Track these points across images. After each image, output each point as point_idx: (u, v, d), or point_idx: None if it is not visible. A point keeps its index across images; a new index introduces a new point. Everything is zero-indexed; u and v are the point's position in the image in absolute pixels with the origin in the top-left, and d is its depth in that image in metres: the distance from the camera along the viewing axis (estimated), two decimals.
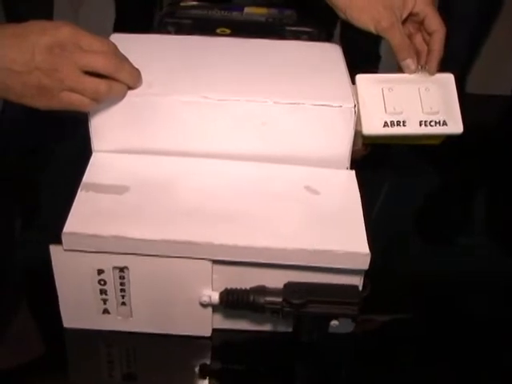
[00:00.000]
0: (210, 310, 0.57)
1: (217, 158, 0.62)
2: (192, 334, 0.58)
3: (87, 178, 0.59)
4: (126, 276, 0.55)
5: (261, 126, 0.61)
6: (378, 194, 0.80)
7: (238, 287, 0.55)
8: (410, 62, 0.65)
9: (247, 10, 0.86)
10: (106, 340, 0.59)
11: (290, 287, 0.54)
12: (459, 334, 0.62)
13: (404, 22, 0.65)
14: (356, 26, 0.65)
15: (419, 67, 0.66)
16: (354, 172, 0.63)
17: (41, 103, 0.56)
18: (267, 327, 0.59)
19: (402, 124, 0.63)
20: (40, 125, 0.84)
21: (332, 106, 0.60)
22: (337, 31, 1.34)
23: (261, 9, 0.86)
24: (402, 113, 0.63)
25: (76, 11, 1.87)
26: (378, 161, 0.75)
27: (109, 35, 0.66)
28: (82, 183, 0.58)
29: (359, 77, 0.64)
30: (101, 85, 0.55)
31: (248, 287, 0.55)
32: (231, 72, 0.64)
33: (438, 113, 0.64)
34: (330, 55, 0.69)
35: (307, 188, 0.60)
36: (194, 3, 0.86)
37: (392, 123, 0.63)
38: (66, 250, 0.53)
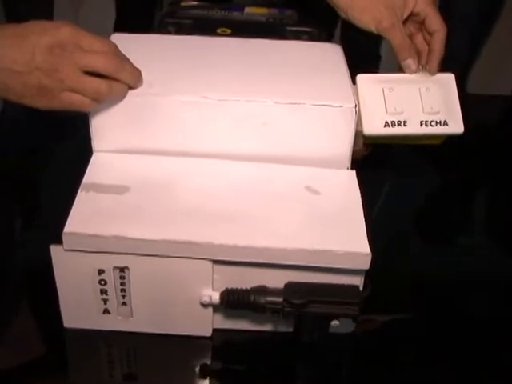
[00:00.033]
0: (210, 310, 0.57)
1: (217, 158, 0.61)
2: (192, 334, 0.58)
3: (88, 178, 0.59)
4: (126, 276, 0.55)
5: (261, 126, 0.61)
6: (379, 194, 0.80)
7: (239, 287, 0.55)
8: (410, 62, 0.65)
9: (248, 9, 0.86)
10: (106, 340, 0.59)
11: (290, 287, 0.54)
12: (459, 334, 0.62)
13: (405, 21, 0.65)
14: (357, 26, 0.65)
15: (420, 67, 0.66)
16: (354, 172, 0.63)
17: (41, 103, 0.56)
18: (268, 327, 0.59)
19: (402, 124, 0.63)
20: (40, 125, 0.84)
21: (333, 106, 0.60)
22: (337, 31, 1.34)
23: (261, 9, 0.86)
24: (402, 113, 0.63)
25: (76, 11, 1.87)
26: (378, 161, 0.75)
27: (109, 35, 0.66)
28: (82, 183, 0.58)
29: (360, 77, 0.64)
30: (101, 85, 0.55)
31: (249, 287, 0.55)
32: (232, 72, 0.64)
33: (438, 113, 0.64)
34: (330, 55, 0.69)
35: (308, 188, 0.60)
36: (195, 3, 0.86)
37: (393, 123, 0.63)
38: (66, 250, 0.53)
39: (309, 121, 0.60)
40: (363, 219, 0.56)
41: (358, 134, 0.63)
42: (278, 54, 0.69)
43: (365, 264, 0.54)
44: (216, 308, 0.57)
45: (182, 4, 0.86)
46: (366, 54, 1.33)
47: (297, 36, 0.80)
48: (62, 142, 0.85)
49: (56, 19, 0.63)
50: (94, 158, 0.61)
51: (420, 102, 0.64)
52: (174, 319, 0.57)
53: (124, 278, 0.55)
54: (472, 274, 0.69)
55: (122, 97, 0.59)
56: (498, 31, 1.48)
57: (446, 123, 0.64)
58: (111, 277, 0.55)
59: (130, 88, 0.59)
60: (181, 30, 0.81)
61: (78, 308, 0.57)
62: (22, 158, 0.81)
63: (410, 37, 0.66)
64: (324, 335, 0.56)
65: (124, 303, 0.57)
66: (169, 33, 0.81)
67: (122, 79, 0.57)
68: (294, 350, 0.59)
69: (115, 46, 0.58)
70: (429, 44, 0.65)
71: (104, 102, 0.58)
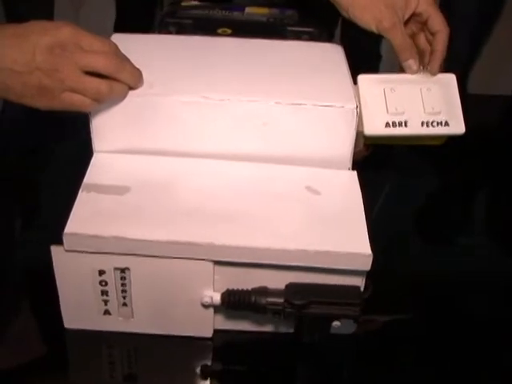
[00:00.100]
0: (211, 310, 0.57)
1: (218, 159, 0.61)
2: (193, 335, 0.58)
3: (88, 178, 0.58)
4: (127, 277, 0.55)
5: (262, 126, 0.60)
6: (380, 195, 0.80)
7: (240, 288, 0.55)
8: (411, 63, 0.65)
9: (248, 9, 0.86)
10: (107, 341, 0.59)
11: (291, 288, 0.54)
12: (459, 334, 0.62)
13: (407, 21, 0.65)
14: (358, 25, 0.65)
15: (421, 67, 0.66)
16: (355, 173, 0.62)
17: (41, 103, 0.56)
18: (269, 328, 0.59)
19: (403, 124, 0.63)
20: (40, 125, 0.84)
21: (334, 107, 0.60)
22: (337, 31, 1.34)
23: (262, 9, 0.86)
24: (403, 113, 0.63)
25: (77, 11, 1.86)
26: (379, 161, 0.75)
27: (109, 35, 0.66)
28: (83, 184, 0.58)
29: (361, 77, 0.64)
30: (102, 85, 0.55)
31: (249, 288, 0.55)
32: (232, 72, 0.64)
33: (439, 113, 0.64)
34: (331, 55, 0.69)
35: (309, 188, 0.60)
36: (195, 3, 0.86)
37: (394, 124, 0.63)
38: (67, 251, 0.53)
39: (310, 121, 0.60)
40: (364, 220, 0.56)
41: (359, 135, 0.63)
42: (279, 54, 0.69)
43: (366, 265, 0.54)
44: (217, 309, 0.57)
45: (183, 4, 0.86)
46: (366, 54, 1.33)
47: (297, 36, 0.80)
48: (62, 142, 0.85)
49: (56, 19, 0.63)
50: (95, 159, 0.61)
51: (421, 103, 0.64)
52: (174, 320, 0.57)
53: (125, 278, 0.55)
54: (472, 274, 0.69)
55: (122, 97, 0.59)
56: (498, 31, 1.48)
57: (447, 124, 0.64)
58: (112, 277, 0.55)
59: (131, 88, 0.59)
60: (181, 30, 0.81)
61: (79, 309, 0.57)
62: (22, 158, 0.81)
63: (412, 37, 0.66)
64: (325, 336, 0.56)
65: (125, 304, 0.57)
66: (169, 33, 0.81)
67: (123, 79, 0.57)
68: (295, 351, 0.59)
69: (116, 46, 0.58)
70: (431, 44, 0.65)
71: (104, 102, 0.58)
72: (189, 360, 0.58)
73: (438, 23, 0.64)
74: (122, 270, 0.54)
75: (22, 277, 0.66)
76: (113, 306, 0.57)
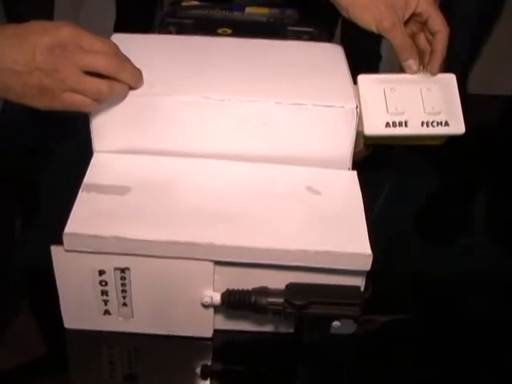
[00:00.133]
0: (211, 310, 0.57)
1: (218, 159, 0.61)
2: (193, 335, 0.58)
3: (88, 178, 0.58)
4: (127, 277, 0.55)
5: (262, 126, 0.60)
6: (380, 195, 0.80)
7: (240, 288, 0.55)
8: (412, 63, 0.65)
9: (248, 9, 0.86)
10: (107, 341, 0.59)
11: (291, 288, 0.54)
12: (459, 334, 0.62)
13: (407, 21, 0.65)
14: (358, 25, 0.65)
15: (421, 67, 0.66)
16: (355, 172, 0.62)
17: (42, 103, 0.56)
18: (269, 328, 0.59)
19: (403, 124, 0.63)
20: (40, 125, 0.83)
21: (334, 107, 0.60)
22: (337, 31, 1.34)
23: (262, 9, 0.86)
24: (403, 113, 0.63)
25: (77, 11, 1.86)
26: (379, 161, 0.75)
27: (109, 35, 0.66)
28: (83, 184, 0.58)
29: (361, 77, 0.64)
30: (102, 85, 0.55)
31: (250, 288, 0.55)
32: (232, 72, 0.64)
33: (439, 113, 0.64)
34: (331, 55, 0.69)
35: (309, 188, 0.60)
36: (196, 3, 0.86)
37: (394, 124, 0.63)
38: (67, 251, 0.53)
39: (310, 121, 0.60)
40: (364, 220, 0.56)
41: (359, 135, 0.63)
42: (279, 54, 0.69)
43: (366, 265, 0.54)
44: (217, 309, 0.57)
45: (183, 4, 0.86)
46: (366, 54, 1.33)
47: (298, 36, 0.80)
48: (62, 142, 0.85)
49: (56, 19, 0.63)
50: (95, 159, 0.61)
51: (421, 103, 0.64)
52: (174, 320, 0.57)
53: (125, 278, 0.55)
54: (472, 274, 0.69)
55: (122, 97, 0.59)
56: (498, 31, 1.48)
57: (447, 124, 0.64)
58: (112, 277, 0.55)
59: (131, 88, 0.59)
60: (181, 30, 0.80)
61: (79, 309, 0.57)
62: (22, 158, 0.81)
63: (412, 36, 0.66)
64: (325, 336, 0.56)
65: (125, 304, 0.57)
66: (169, 33, 0.81)
67: (123, 79, 0.57)
68: (295, 351, 0.59)
69: (116, 46, 0.58)
70: (431, 44, 0.65)
71: (105, 102, 0.58)
72: (189, 360, 0.58)
73: (437, 23, 0.64)
74: (122, 270, 0.54)
75: (22, 277, 0.66)
76: (113, 306, 0.56)
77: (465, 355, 0.60)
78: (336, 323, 0.55)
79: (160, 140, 0.61)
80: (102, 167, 0.60)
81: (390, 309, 0.64)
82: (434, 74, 0.65)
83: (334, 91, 0.62)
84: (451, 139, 0.66)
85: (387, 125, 0.63)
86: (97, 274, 0.54)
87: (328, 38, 0.81)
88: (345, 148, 0.62)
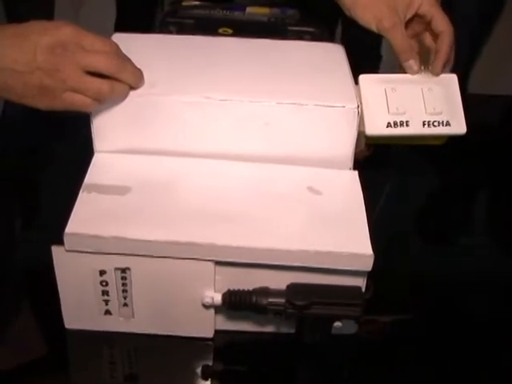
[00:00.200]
0: (212, 311, 0.57)
1: (219, 159, 0.61)
2: (194, 335, 0.58)
3: (89, 178, 0.58)
4: (127, 277, 0.55)
5: (263, 126, 0.60)
6: (381, 195, 0.80)
7: (241, 288, 0.55)
8: (412, 63, 0.65)
9: (249, 9, 0.86)
10: (107, 341, 0.59)
11: (292, 288, 0.54)
12: (459, 334, 0.62)
13: (410, 22, 0.65)
14: (360, 25, 0.65)
15: (422, 67, 0.65)
16: (356, 172, 0.62)
17: (42, 103, 0.56)
18: (270, 328, 0.59)
19: (405, 124, 0.63)
20: (41, 125, 0.83)
21: (335, 107, 0.60)
22: (338, 30, 1.34)
23: (263, 8, 0.86)
24: (405, 113, 0.63)
25: (77, 11, 1.86)
26: (380, 161, 0.75)
27: (110, 35, 0.66)
28: (83, 184, 0.58)
29: (362, 77, 0.64)
30: (103, 85, 0.55)
31: (251, 288, 0.55)
32: (233, 72, 0.64)
33: (441, 113, 0.64)
34: (333, 55, 0.69)
35: (310, 189, 0.60)
36: (196, 3, 0.86)
37: (395, 123, 0.63)
38: (67, 251, 0.53)
39: (311, 121, 0.60)
40: (366, 220, 0.56)
41: (361, 135, 0.62)
42: (280, 54, 0.69)
43: (367, 265, 0.54)
44: (218, 309, 0.57)
45: (184, 4, 0.86)
46: (366, 54, 1.33)
47: (299, 36, 0.80)
48: (62, 142, 0.84)
49: (56, 19, 0.63)
50: (96, 159, 0.61)
51: (422, 103, 0.64)
52: (175, 320, 0.57)
53: (125, 278, 0.55)
54: (472, 274, 0.69)
55: (123, 97, 0.58)
56: (498, 31, 1.48)
57: (448, 123, 0.64)
58: (113, 278, 0.55)
59: (132, 88, 0.59)
60: (182, 29, 0.81)
61: (80, 309, 0.57)
62: (22, 158, 0.81)
63: (417, 36, 0.66)
64: (326, 336, 0.56)
65: (125, 304, 0.56)
66: (170, 33, 0.81)
67: (124, 79, 0.57)
68: (296, 352, 0.59)
69: (117, 46, 0.57)
70: (436, 44, 0.65)
71: (106, 102, 0.57)
72: (190, 360, 0.57)
73: (441, 24, 0.64)
74: (123, 270, 0.54)
75: (23, 277, 0.66)
76: (113, 306, 0.56)
77: (465, 355, 0.60)
78: (337, 323, 0.55)
79: (161, 140, 0.61)
80: (103, 167, 0.60)
81: (390, 309, 0.64)
82: (436, 74, 0.65)
83: (335, 91, 0.62)
84: (451, 139, 0.66)
85: (388, 125, 0.63)
86: (97, 274, 0.54)
87: (329, 37, 0.81)
88: (346, 148, 0.62)
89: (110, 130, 0.61)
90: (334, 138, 0.61)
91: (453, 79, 0.65)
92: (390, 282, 0.64)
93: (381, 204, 0.78)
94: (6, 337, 0.59)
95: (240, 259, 0.53)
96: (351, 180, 0.62)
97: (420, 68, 0.65)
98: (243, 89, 0.61)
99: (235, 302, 0.54)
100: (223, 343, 0.59)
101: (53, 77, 0.54)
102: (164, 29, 0.81)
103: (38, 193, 0.79)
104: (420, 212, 0.81)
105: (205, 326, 0.58)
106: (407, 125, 0.63)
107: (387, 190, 0.82)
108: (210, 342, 0.58)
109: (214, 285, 0.55)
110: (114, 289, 0.55)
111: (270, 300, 0.54)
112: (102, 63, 0.55)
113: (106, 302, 0.56)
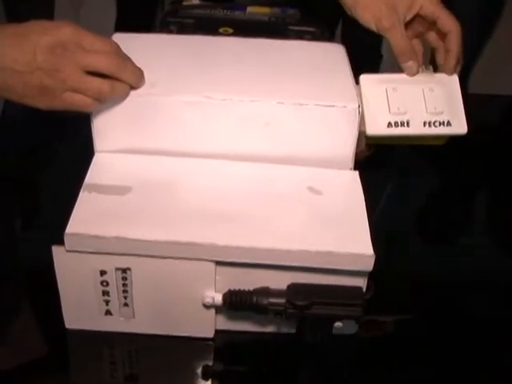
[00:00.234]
0: (212, 311, 0.56)
1: (220, 159, 0.61)
2: (195, 336, 0.58)
3: (89, 178, 0.58)
4: (128, 277, 0.55)
5: (264, 126, 0.60)
6: (382, 195, 0.80)
7: (241, 288, 0.55)
8: (411, 64, 0.65)
9: (250, 9, 0.86)
10: (108, 341, 0.58)
11: (293, 288, 0.54)
12: (459, 334, 0.62)
13: (411, 23, 0.65)
14: (360, 24, 0.65)
15: (422, 67, 0.65)
16: (357, 173, 0.62)
17: (42, 103, 0.56)
18: (270, 328, 0.59)
19: (405, 124, 0.63)
20: (41, 125, 0.83)
21: (336, 107, 0.60)
22: (338, 30, 1.34)
23: (263, 8, 0.86)
24: (405, 113, 0.63)
25: (77, 11, 1.86)
26: (381, 161, 0.75)
27: (110, 35, 0.65)
28: (84, 184, 0.58)
29: (363, 77, 0.64)
30: (103, 85, 0.55)
31: (251, 288, 0.55)
32: (234, 72, 0.64)
33: (442, 113, 0.64)
34: (333, 55, 0.69)
35: (310, 189, 0.60)
36: (197, 2, 0.86)
37: (396, 123, 0.63)
38: (68, 251, 0.53)
39: (312, 121, 0.60)
40: (366, 220, 0.56)
41: (361, 135, 0.62)
42: (281, 53, 0.69)
43: (368, 265, 0.54)
44: (218, 309, 0.57)
45: (184, 3, 0.86)
46: (367, 53, 1.33)
47: (299, 35, 0.80)
48: (63, 142, 0.84)
49: (56, 19, 0.63)
50: (96, 159, 0.61)
51: (423, 103, 0.64)
52: (176, 320, 0.57)
53: (126, 279, 0.55)
54: (472, 274, 0.69)
55: (124, 97, 0.58)
56: (499, 31, 1.48)
57: (449, 124, 0.64)
58: (113, 278, 0.55)
59: (132, 88, 0.59)
60: (183, 29, 0.80)
61: (80, 309, 0.57)
62: (22, 158, 0.81)
63: (420, 36, 0.66)
64: (327, 337, 0.56)
65: (126, 304, 0.56)
66: (170, 32, 0.81)
67: (124, 79, 0.57)
68: (297, 352, 0.59)
69: (117, 46, 0.57)
70: (445, 44, 0.65)
71: (106, 102, 0.57)
72: (190, 360, 0.57)
73: (448, 23, 0.64)
74: (124, 271, 0.54)
75: (23, 277, 0.66)
76: (114, 306, 0.56)
77: (465, 355, 0.60)
78: (338, 324, 0.55)
79: (161, 140, 0.61)
80: (104, 167, 0.60)
81: (390, 309, 0.64)
82: (451, 73, 0.65)
83: (336, 91, 0.62)
84: (452, 139, 0.66)
85: (389, 125, 0.63)
86: (98, 274, 0.54)
87: (330, 37, 0.81)
88: (347, 148, 0.62)
89: (110, 130, 0.61)
90: (334, 137, 0.61)
91: (454, 79, 0.65)
92: (390, 281, 0.64)
93: (382, 204, 0.78)
94: (5, 337, 0.59)
95: (240, 259, 0.53)
96: (352, 180, 0.62)
97: (420, 68, 0.65)
98: (244, 88, 0.61)
99: (236, 302, 0.54)
100: (224, 343, 0.59)
101: (53, 77, 0.54)
102: (164, 28, 0.81)
103: (38, 193, 0.79)
104: (420, 212, 0.81)
105: (205, 326, 0.58)
106: (408, 125, 0.63)
107: (388, 190, 0.82)
108: (211, 342, 0.58)
109: (215, 285, 0.55)
110: (114, 289, 0.55)
111: (271, 300, 0.54)
112: (102, 63, 0.55)
113: (107, 302, 0.56)
